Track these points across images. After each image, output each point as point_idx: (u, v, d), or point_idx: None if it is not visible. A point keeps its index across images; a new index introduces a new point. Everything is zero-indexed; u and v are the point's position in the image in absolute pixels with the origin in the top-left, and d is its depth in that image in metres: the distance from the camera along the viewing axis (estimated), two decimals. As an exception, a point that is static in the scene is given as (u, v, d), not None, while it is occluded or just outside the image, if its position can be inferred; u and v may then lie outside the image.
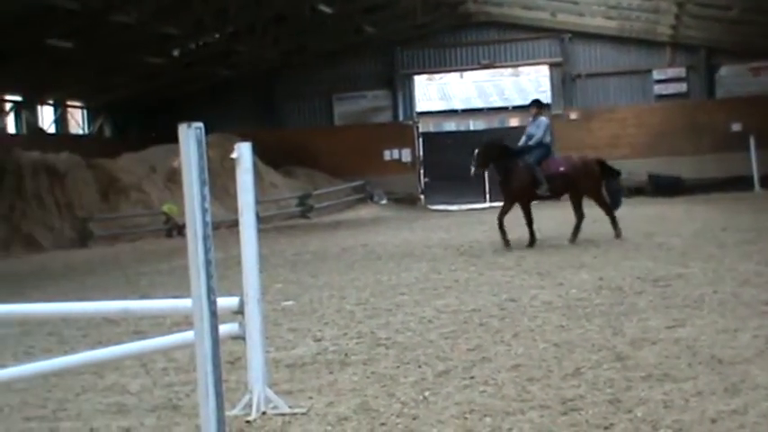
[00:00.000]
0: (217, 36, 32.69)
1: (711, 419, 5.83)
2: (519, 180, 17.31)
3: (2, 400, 7.47)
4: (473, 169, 17.47)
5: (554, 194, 17.88)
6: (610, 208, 18.09)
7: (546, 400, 6.48)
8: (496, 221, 17.38)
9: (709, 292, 10.65)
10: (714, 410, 5.98)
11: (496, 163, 17.60)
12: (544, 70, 39.66)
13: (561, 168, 17.63)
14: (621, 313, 9.68)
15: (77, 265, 20.55)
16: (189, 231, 5.08)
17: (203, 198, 5.10)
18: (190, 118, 5.29)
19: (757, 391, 6.36)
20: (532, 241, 17.29)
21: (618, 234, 17.60)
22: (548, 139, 17.88)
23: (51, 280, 17.36)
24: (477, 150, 17.54)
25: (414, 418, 6.25)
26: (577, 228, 17.62)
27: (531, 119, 18.18)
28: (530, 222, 17.44)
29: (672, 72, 36.66)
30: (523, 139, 17.87)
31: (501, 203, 18.16)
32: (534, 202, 17.94)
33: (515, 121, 41.28)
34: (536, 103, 18.43)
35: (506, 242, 17.05)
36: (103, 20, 26.36)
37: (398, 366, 7.84)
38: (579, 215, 17.72)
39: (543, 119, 17.99)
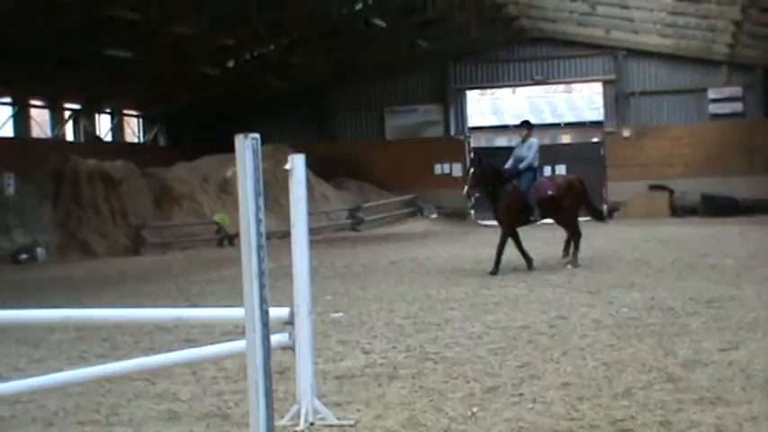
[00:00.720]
0: (272, 47, 32.93)
1: (765, 444, 5.75)
2: (511, 205, 16.58)
3: (57, 403, 7.57)
4: (466, 189, 16.60)
5: (543, 219, 17.40)
6: (578, 234, 17.29)
7: (596, 419, 6.42)
8: (496, 250, 16.40)
9: (764, 314, 10.51)
10: (768, 436, 5.90)
11: (489, 186, 16.68)
12: (597, 87, 39.47)
13: (549, 192, 17.02)
14: (673, 334, 9.57)
15: (130, 272, 20.73)
16: (243, 241, 5.12)
17: (258, 208, 5.14)
18: (242, 129, 5.33)
19: (812, 417, 6.25)
20: (530, 264, 16.63)
21: (573, 263, 16.78)
22: (536, 162, 17.05)
23: (105, 286, 17.53)
24: (471, 170, 16.77)
25: (462, 434, 6.24)
26: (577, 248, 17.14)
27: (520, 140, 17.37)
28: (521, 246, 16.73)
29: (728, 91, 36.18)
30: (511, 161, 16.98)
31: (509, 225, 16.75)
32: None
33: (567, 138, 41.16)
34: (526, 123, 17.66)
35: (497, 268, 16.16)
36: (162, 30, 26.69)
37: (447, 381, 7.81)
38: (576, 234, 17.25)
39: (534, 140, 17.17)
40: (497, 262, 16.24)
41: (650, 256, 18.36)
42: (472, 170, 16.69)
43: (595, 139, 39.04)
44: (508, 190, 16.57)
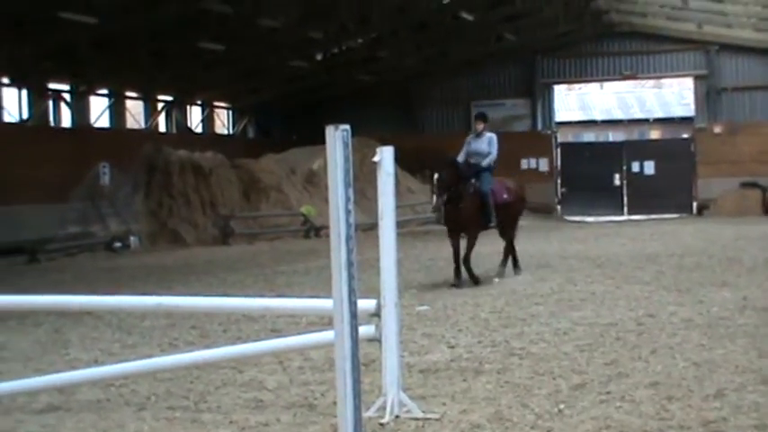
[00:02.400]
0: (359, 41, 33.05)
1: None
2: (471, 209, 14.65)
3: (149, 388, 7.71)
4: (435, 199, 14.26)
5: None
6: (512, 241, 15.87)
7: (686, 420, 6.29)
8: (463, 263, 14.52)
9: None
10: None
11: (451, 188, 14.39)
12: (688, 83, 38.73)
13: (505, 196, 15.28)
14: (766, 335, 9.33)
15: (218, 261, 21.01)
16: (332, 232, 5.14)
17: (347, 199, 5.16)
18: (329, 121, 5.34)
19: None
20: (474, 281, 14.50)
21: (501, 273, 15.36)
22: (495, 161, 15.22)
23: (194, 275, 17.80)
24: (437, 176, 14.30)
25: (548, 431, 6.15)
26: (514, 257, 15.81)
27: (472, 134, 15.39)
28: (462, 258, 14.64)
29: (824, 86, 35.26)
30: (462, 155, 15.03)
31: (466, 236, 14.81)
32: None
33: (656, 134, 40.54)
34: (482, 116, 15.76)
35: (476, 279, 14.54)
36: (252, 23, 26.98)
37: (533, 377, 7.74)
38: (512, 244, 15.83)
39: (493, 135, 15.33)
40: (471, 275, 14.53)
41: (742, 254, 17.94)
42: (437, 176, 14.28)
43: (685, 136, 38.36)
44: (470, 192, 14.67)
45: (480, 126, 15.29)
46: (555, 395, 7.09)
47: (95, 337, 10.63)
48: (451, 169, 14.51)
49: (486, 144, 15.04)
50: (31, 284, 16.44)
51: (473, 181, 14.76)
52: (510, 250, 15.80)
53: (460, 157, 15.00)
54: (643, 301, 11.95)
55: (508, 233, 15.77)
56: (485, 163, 14.93)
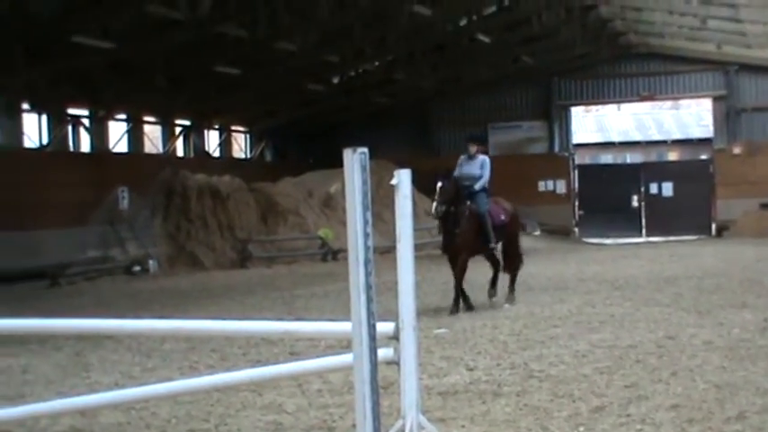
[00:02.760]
0: (376, 64, 33.17)
1: None
2: (472, 231, 14.54)
3: (169, 411, 7.74)
4: (436, 206, 14.25)
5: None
6: (521, 262, 15.84)
7: (706, 442, 6.29)
8: (455, 286, 14.51)
9: None
10: None
11: (451, 207, 14.36)
12: (706, 103, 38.62)
13: (503, 217, 15.11)
14: (788, 356, 9.31)
15: (237, 284, 21.05)
16: (350, 255, 5.15)
17: (366, 222, 5.17)
18: (346, 144, 5.33)
19: None
20: (467, 306, 14.48)
21: (511, 299, 15.10)
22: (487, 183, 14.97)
23: (212, 298, 17.85)
24: (440, 184, 14.29)
25: (568, 453, 6.17)
26: (514, 279, 15.54)
27: (464, 156, 15.03)
28: (461, 283, 14.59)
29: (844, 107, 35.15)
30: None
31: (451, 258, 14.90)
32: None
33: (674, 155, 40.42)
34: (475, 138, 15.70)
35: (470, 305, 14.51)
36: (269, 47, 27.10)
37: (552, 400, 7.74)
38: (519, 263, 15.75)
39: (486, 158, 15.06)
40: (465, 298, 14.56)
41: (762, 276, 17.87)
42: (440, 184, 14.26)
43: (704, 157, 38.26)
44: (465, 213, 14.48)
45: (474, 149, 15.07)
46: (575, 418, 7.09)
47: (116, 360, 10.68)
48: (453, 181, 14.46)
49: (478, 167, 14.77)
50: (52, 308, 16.53)
51: (468, 203, 14.54)
52: (512, 273, 15.45)
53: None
54: (662, 323, 11.93)
55: (513, 256, 15.56)
56: (478, 186, 14.70)
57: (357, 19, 26.66)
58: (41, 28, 22.04)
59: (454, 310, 14.23)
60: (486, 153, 15.06)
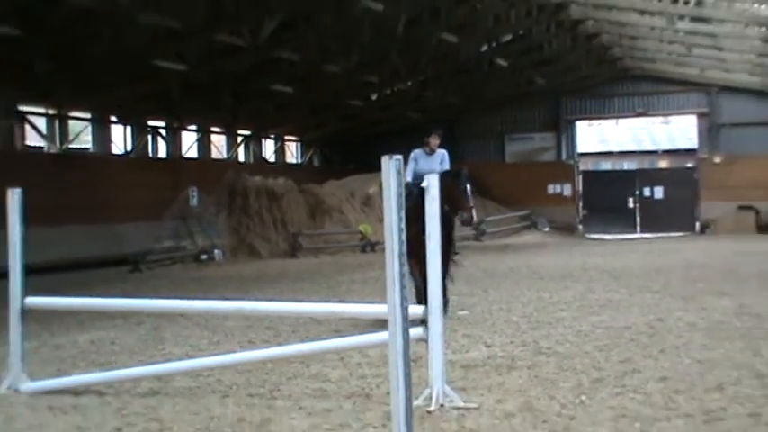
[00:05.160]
0: (409, 84, 33.11)
1: None
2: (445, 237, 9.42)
3: (231, 378, 7.79)
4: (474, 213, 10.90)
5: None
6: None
7: (690, 410, 6.24)
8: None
9: None
10: None
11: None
12: (692, 120, 38.31)
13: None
14: (760, 337, 9.20)
15: (289, 271, 21.10)
16: (387, 248, 5.16)
17: (400, 219, 5.18)
18: (383, 152, 5.33)
19: None
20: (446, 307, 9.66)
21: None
22: None
23: (268, 283, 17.89)
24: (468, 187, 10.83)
25: (571, 419, 6.13)
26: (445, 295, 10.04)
27: (421, 150, 11.58)
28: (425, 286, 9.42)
29: (808, 124, 34.92)
30: (409, 175, 11.03)
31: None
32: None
33: (664, 164, 39.93)
34: (438, 128, 12.07)
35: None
36: (317, 69, 27.17)
37: (558, 372, 7.70)
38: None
39: (444, 151, 11.72)
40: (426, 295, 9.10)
41: (739, 267, 17.69)
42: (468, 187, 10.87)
43: (689, 165, 37.88)
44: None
45: (435, 141, 11.60)
46: (577, 388, 7.06)
47: (186, 334, 10.76)
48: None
49: (438, 163, 11.41)
50: (134, 290, 16.71)
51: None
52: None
53: (408, 178, 10.94)
54: (653, 308, 11.83)
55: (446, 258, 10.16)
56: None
57: (393, 45, 26.65)
58: (129, 54, 22.28)
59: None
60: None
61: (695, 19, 27.10)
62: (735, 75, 34.33)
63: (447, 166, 11.35)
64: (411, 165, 11.29)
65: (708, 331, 9.69)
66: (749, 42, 28.71)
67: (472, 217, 10.85)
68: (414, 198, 9.33)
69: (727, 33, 27.98)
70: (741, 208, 34.85)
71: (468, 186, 10.82)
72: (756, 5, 24.48)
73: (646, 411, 6.25)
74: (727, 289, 13.83)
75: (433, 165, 11.25)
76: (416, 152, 11.51)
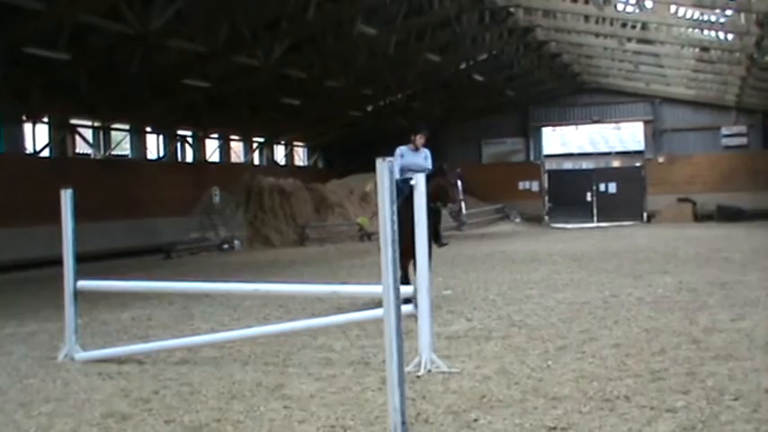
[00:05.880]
0: (399, 96, 33.06)
1: (765, 390, 5.55)
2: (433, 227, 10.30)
3: (249, 349, 7.80)
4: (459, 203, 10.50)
5: None
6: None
7: (639, 371, 6.28)
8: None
9: (764, 294, 10.07)
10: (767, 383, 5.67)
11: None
12: (639, 126, 38.42)
13: None
14: (696, 308, 9.25)
15: (298, 258, 21.10)
16: (381, 237, 5.16)
17: (392, 212, 5.18)
18: (379, 155, 5.33)
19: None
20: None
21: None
22: None
23: (280, 268, 17.90)
24: (459, 183, 10.50)
25: (539, 380, 6.17)
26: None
27: (407, 146, 10.71)
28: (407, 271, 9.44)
29: (736, 129, 35.28)
30: (398, 170, 10.01)
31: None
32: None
33: (617, 163, 39.93)
34: (425, 128, 10.98)
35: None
36: (321, 84, 27.11)
37: (528, 341, 7.73)
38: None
39: (427, 150, 10.83)
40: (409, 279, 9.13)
41: (678, 250, 17.75)
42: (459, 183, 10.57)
43: (637, 164, 37.96)
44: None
45: (421, 139, 10.73)
46: (544, 354, 7.09)
47: (211, 312, 10.75)
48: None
49: (422, 159, 10.67)
50: (167, 274, 16.71)
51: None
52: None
53: (396, 173, 9.64)
54: (608, 285, 11.87)
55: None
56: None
57: (385, 63, 26.61)
58: (163, 75, 22.30)
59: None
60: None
61: (641, 41, 27.35)
62: (674, 88, 34.69)
63: (429, 164, 10.66)
64: (398, 160, 10.47)
65: (653, 304, 9.73)
66: (685, 61, 29.10)
67: (461, 209, 10.55)
68: (402, 199, 8.22)
69: (667, 53, 28.29)
70: (680, 200, 35.30)
71: (460, 183, 10.43)
72: (690, 30, 24.83)
73: (602, 372, 6.28)
74: (669, 268, 13.89)
75: (417, 160, 10.57)
76: (402, 148, 10.74)
